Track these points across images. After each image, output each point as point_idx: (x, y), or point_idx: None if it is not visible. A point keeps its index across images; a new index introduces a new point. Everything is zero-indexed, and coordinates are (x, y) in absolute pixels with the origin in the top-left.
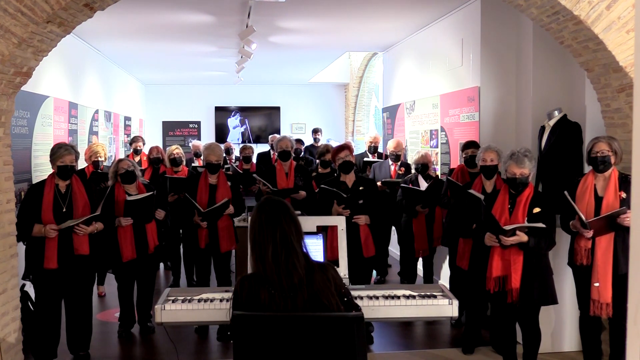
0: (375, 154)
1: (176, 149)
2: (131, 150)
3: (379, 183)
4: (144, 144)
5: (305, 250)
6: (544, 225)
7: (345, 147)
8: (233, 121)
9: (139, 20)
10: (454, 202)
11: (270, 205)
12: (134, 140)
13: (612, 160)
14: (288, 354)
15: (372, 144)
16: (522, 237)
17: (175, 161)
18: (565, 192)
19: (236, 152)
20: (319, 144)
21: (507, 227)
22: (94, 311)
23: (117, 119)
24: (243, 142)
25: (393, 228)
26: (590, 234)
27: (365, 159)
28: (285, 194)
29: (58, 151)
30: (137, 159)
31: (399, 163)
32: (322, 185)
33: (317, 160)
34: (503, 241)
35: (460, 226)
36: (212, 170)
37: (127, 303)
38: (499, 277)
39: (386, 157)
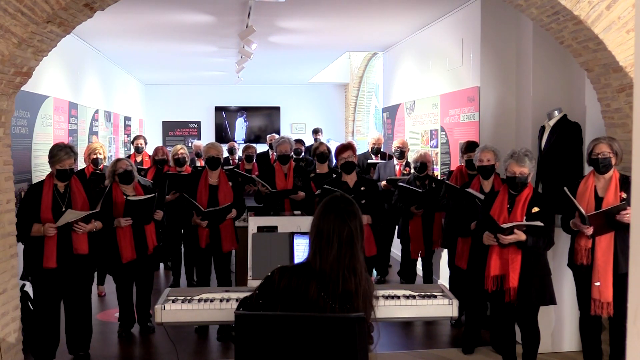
0: (379, 155)
1: (181, 149)
2: (133, 148)
3: (383, 182)
4: (146, 143)
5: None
6: (542, 224)
7: (349, 147)
8: (241, 122)
9: (139, 20)
10: (452, 204)
11: (343, 202)
12: (136, 138)
13: (613, 161)
14: (290, 354)
15: (376, 146)
16: (520, 235)
17: (179, 161)
18: (565, 188)
19: (239, 153)
20: None
21: (505, 225)
22: (93, 311)
23: (117, 119)
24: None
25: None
26: (590, 230)
27: (370, 160)
28: (284, 194)
29: (58, 154)
30: (139, 158)
31: (403, 162)
32: (325, 186)
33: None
34: (501, 240)
35: (458, 226)
36: (213, 166)
37: (127, 303)
38: (497, 276)
39: (390, 157)
